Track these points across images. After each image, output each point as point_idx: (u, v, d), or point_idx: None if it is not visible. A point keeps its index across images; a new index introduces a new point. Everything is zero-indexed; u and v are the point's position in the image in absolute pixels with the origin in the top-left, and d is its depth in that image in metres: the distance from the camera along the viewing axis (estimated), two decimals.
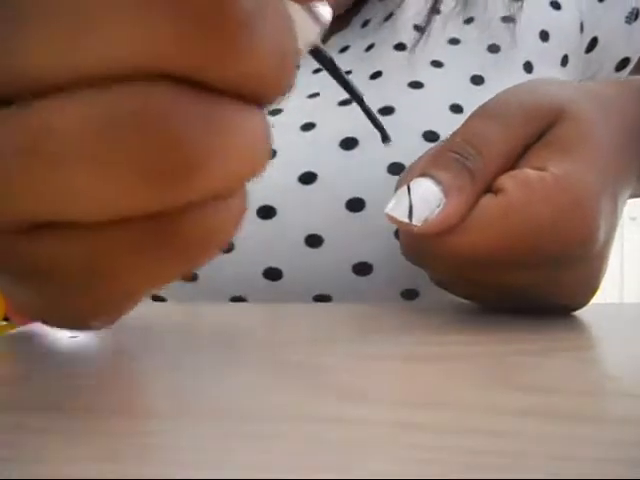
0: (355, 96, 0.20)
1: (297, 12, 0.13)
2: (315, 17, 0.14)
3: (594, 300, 0.27)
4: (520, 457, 0.11)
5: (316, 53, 0.17)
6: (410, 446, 0.11)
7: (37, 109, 0.10)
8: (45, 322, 0.17)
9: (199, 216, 0.12)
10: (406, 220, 0.22)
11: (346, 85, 0.19)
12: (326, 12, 0.15)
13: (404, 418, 0.13)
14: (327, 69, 0.18)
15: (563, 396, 0.14)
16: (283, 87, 0.12)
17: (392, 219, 0.23)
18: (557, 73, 0.40)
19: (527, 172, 0.22)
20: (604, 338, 0.23)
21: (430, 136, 0.34)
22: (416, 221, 0.22)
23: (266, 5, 0.11)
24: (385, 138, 0.23)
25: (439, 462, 0.11)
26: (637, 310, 0.29)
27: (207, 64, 0.10)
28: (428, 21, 0.39)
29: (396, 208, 0.23)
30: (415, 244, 0.25)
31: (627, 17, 0.42)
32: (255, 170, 0.12)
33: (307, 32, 0.15)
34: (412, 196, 0.22)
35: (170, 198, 0.11)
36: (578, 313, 0.27)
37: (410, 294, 0.34)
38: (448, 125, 0.27)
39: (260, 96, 0.12)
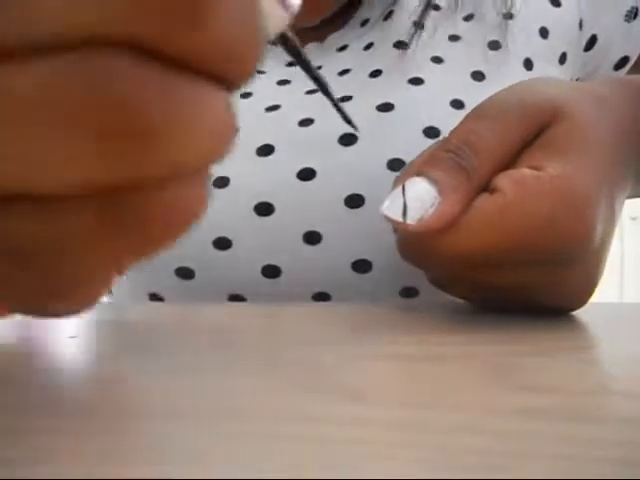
0: (322, 86, 0.20)
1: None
2: (284, 4, 0.14)
3: (594, 300, 0.27)
4: (520, 457, 0.11)
5: (284, 41, 0.17)
6: (410, 446, 0.11)
7: None
8: (4, 305, 0.16)
9: (159, 193, 0.12)
10: (401, 219, 0.22)
11: (312, 75, 0.19)
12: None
13: (404, 418, 0.13)
14: (295, 58, 0.18)
15: (563, 396, 0.14)
16: (247, 67, 0.12)
17: (388, 218, 0.23)
18: (556, 70, 0.40)
19: (523, 171, 0.22)
20: (604, 338, 0.23)
21: (431, 132, 0.34)
22: (410, 220, 0.22)
23: None
24: (354, 128, 0.23)
25: (439, 462, 0.11)
26: (637, 310, 0.29)
27: (165, 33, 0.10)
28: (422, 15, 0.39)
29: (391, 207, 0.23)
30: (411, 244, 0.25)
31: (626, 15, 0.42)
32: (216, 150, 0.12)
33: (275, 19, 0.15)
34: (406, 195, 0.22)
35: (126, 168, 0.11)
36: (578, 313, 0.27)
37: (409, 292, 0.34)
38: (449, 121, 0.27)
39: (223, 74, 0.12)
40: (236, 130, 0.13)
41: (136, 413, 0.13)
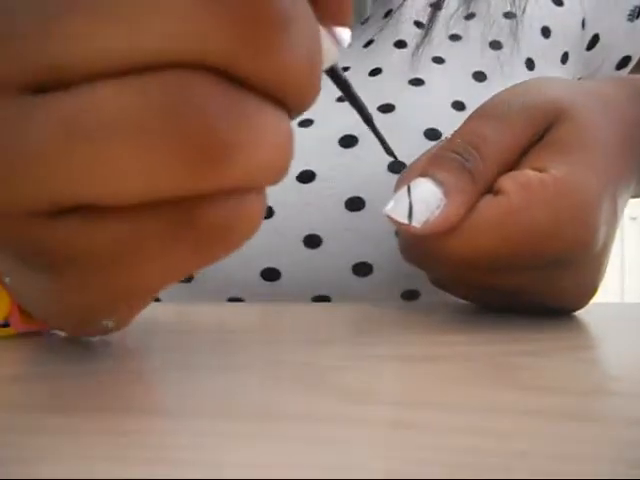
0: (366, 118, 0.20)
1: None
2: (334, 39, 0.15)
3: (594, 300, 0.27)
4: (520, 457, 0.11)
5: (333, 74, 0.18)
6: (410, 446, 0.11)
7: (77, 92, 0.11)
8: (53, 325, 0.16)
9: (223, 206, 0.12)
10: (406, 221, 0.22)
11: (359, 108, 0.20)
12: (345, 34, 0.15)
13: (404, 418, 0.13)
14: (343, 91, 0.19)
15: (563, 396, 0.14)
16: (311, 94, 0.12)
17: (392, 220, 0.23)
18: (558, 70, 0.40)
19: (527, 174, 0.22)
20: (604, 338, 0.23)
21: (431, 134, 0.34)
22: (416, 222, 0.22)
23: (300, 12, 0.12)
24: (395, 159, 0.23)
25: (439, 462, 0.11)
26: (637, 310, 0.29)
27: (244, 58, 0.11)
28: (432, 19, 0.38)
29: (396, 209, 0.23)
30: (414, 245, 0.25)
31: (629, 15, 0.42)
32: (277, 171, 0.13)
33: (326, 52, 0.15)
34: (412, 197, 0.22)
35: (199, 181, 0.11)
36: (578, 313, 0.27)
37: (410, 295, 0.34)
38: (450, 123, 0.27)
39: (290, 100, 0.12)
40: (293, 152, 0.13)
41: (136, 412, 0.13)
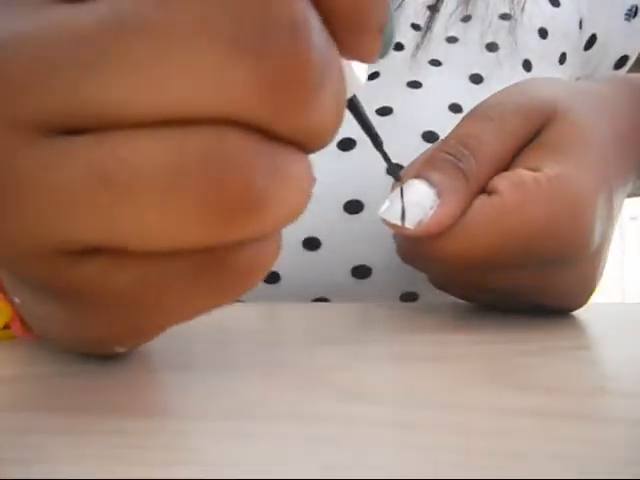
0: (379, 147, 0.21)
1: (342, 62, 0.13)
2: (354, 73, 0.15)
3: (594, 300, 0.27)
4: (520, 457, 0.11)
5: (351, 105, 0.18)
6: (410, 446, 0.11)
7: (110, 139, 0.11)
8: (60, 347, 0.17)
9: (246, 253, 0.12)
10: (399, 223, 0.22)
11: (372, 136, 0.20)
12: (363, 70, 0.15)
13: (404, 418, 0.13)
14: (359, 121, 0.19)
15: (563, 396, 0.14)
16: (332, 136, 0.13)
17: (386, 222, 0.23)
18: (555, 71, 0.40)
19: (521, 173, 0.22)
20: (604, 338, 0.23)
21: (429, 136, 0.34)
22: (409, 223, 0.22)
23: (333, 63, 0.12)
24: (398, 178, 0.23)
25: (439, 462, 0.11)
26: (637, 310, 0.29)
27: (279, 117, 0.11)
28: (431, 21, 0.38)
29: (389, 210, 0.23)
30: (410, 247, 0.25)
31: (626, 14, 0.42)
32: (300, 212, 0.13)
33: (348, 82, 0.15)
34: (405, 198, 0.22)
35: (226, 237, 0.11)
36: (578, 313, 0.27)
37: (410, 297, 0.34)
38: (447, 125, 0.27)
39: (314, 145, 0.12)
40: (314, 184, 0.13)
41: (135, 413, 0.13)
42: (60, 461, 0.11)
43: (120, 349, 0.16)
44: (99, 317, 0.14)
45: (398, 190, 0.23)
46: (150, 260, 0.12)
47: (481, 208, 0.22)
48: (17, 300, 0.16)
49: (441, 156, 0.23)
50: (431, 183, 0.22)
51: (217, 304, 0.13)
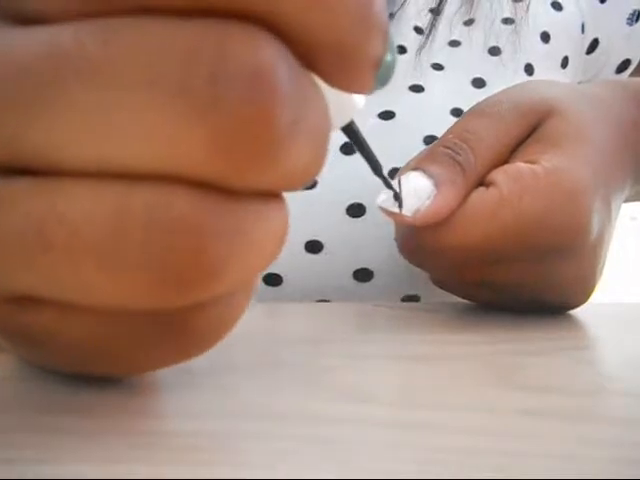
0: (378, 172, 0.21)
1: (334, 94, 0.12)
2: (350, 98, 0.14)
3: (594, 300, 0.27)
4: (520, 457, 0.11)
5: (348, 131, 0.17)
6: (410, 446, 0.11)
7: (50, 189, 0.10)
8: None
9: (207, 312, 0.12)
10: (396, 210, 0.22)
11: (372, 161, 0.20)
12: (360, 99, 0.15)
13: (404, 418, 0.13)
14: (357, 146, 0.19)
15: (563, 396, 0.14)
16: (311, 178, 0.12)
17: (383, 210, 0.23)
18: (557, 75, 0.40)
19: (518, 165, 0.22)
20: (604, 338, 0.23)
21: (431, 141, 0.34)
22: (406, 212, 0.22)
23: (307, 107, 0.10)
24: (400, 206, 0.23)
25: (439, 462, 0.11)
26: (637, 310, 0.29)
27: (236, 174, 0.10)
28: (432, 24, 0.38)
29: (387, 200, 0.23)
30: (410, 240, 0.25)
31: (628, 19, 0.42)
32: (270, 263, 0.12)
33: (342, 113, 0.15)
34: (403, 188, 0.23)
35: (180, 302, 0.11)
36: (578, 313, 0.27)
37: (411, 300, 0.34)
38: None
39: (290, 188, 0.12)
40: (285, 241, 0.12)
41: (136, 413, 0.13)
42: (60, 461, 0.11)
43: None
44: (57, 360, 0.13)
45: (396, 181, 0.23)
46: (100, 317, 0.11)
47: (479, 199, 0.22)
48: None
49: (439, 150, 0.23)
50: (429, 174, 0.22)
51: (178, 361, 0.13)
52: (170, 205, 0.10)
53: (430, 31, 0.38)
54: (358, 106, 0.15)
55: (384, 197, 0.23)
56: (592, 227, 0.23)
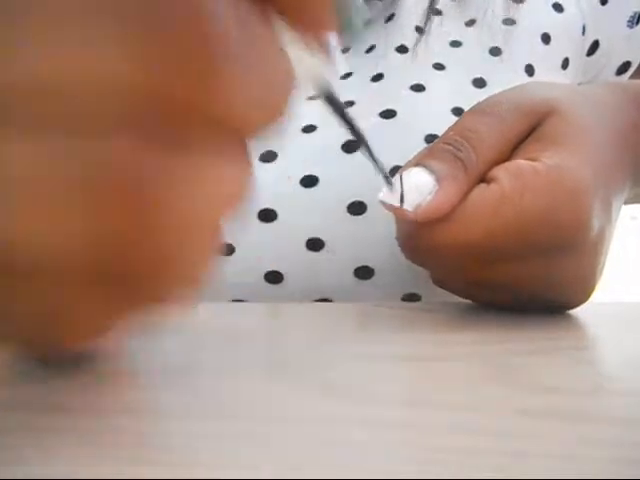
0: (362, 142, 0.21)
1: (306, 57, 0.12)
2: (327, 63, 0.15)
3: (594, 299, 0.27)
4: (520, 457, 0.11)
5: (329, 99, 0.17)
6: (410, 446, 0.11)
7: None
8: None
9: (158, 268, 0.12)
10: (398, 205, 0.23)
11: (355, 132, 0.20)
12: (340, 61, 0.15)
13: (404, 418, 0.13)
14: (338, 115, 0.19)
15: (563, 396, 0.14)
16: (263, 125, 0.12)
17: (385, 205, 0.23)
18: (558, 76, 0.40)
19: (519, 163, 0.23)
20: (604, 338, 0.23)
21: (432, 140, 0.34)
22: (407, 206, 0.22)
23: (255, 48, 0.11)
24: (389, 184, 0.23)
25: (439, 462, 0.11)
26: (637, 310, 0.29)
27: (177, 97, 0.10)
28: (427, 20, 0.39)
29: (388, 195, 0.23)
30: (411, 238, 0.25)
31: (629, 21, 0.42)
32: (226, 213, 0.12)
33: (317, 77, 0.15)
34: (404, 184, 0.23)
35: (122, 248, 0.11)
36: (578, 313, 0.27)
37: (412, 298, 0.34)
38: None
39: (238, 132, 0.12)
40: (250, 184, 0.12)
41: (137, 413, 0.13)
42: (60, 461, 0.11)
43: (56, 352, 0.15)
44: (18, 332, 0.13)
45: (397, 176, 0.23)
46: (49, 279, 0.11)
47: (480, 196, 0.22)
48: None
49: (440, 146, 0.23)
50: (430, 170, 0.23)
51: (133, 314, 0.13)
52: (110, 156, 0.10)
53: (424, 30, 0.38)
54: (336, 72, 0.15)
55: (386, 192, 0.23)
56: (593, 224, 0.23)
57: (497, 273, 0.24)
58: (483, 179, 0.23)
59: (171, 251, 0.12)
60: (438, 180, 0.22)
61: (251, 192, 0.12)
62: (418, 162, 0.23)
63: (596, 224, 0.23)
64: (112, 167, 0.10)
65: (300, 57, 0.12)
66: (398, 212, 0.23)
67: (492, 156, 0.23)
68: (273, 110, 0.12)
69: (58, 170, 0.10)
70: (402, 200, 0.22)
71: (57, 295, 0.12)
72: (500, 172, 0.22)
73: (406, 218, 0.23)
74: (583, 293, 0.26)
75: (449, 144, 0.23)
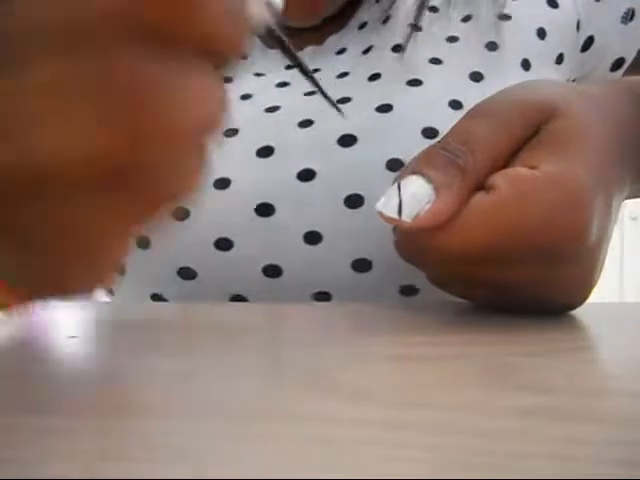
0: (308, 75, 0.22)
1: None
2: (267, 2, 0.16)
3: (594, 300, 0.27)
4: (520, 457, 0.11)
5: (271, 34, 0.19)
6: (409, 446, 0.11)
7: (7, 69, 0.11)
8: (35, 295, 0.17)
9: (153, 170, 0.13)
10: (396, 216, 0.22)
11: (300, 65, 0.21)
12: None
13: (403, 418, 0.13)
14: (282, 50, 0.20)
15: (563, 396, 0.14)
16: (237, 47, 0.13)
17: (383, 216, 0.23)
18: (553, 71, 0.40)
19: (519, 170, 0.22)
20: (604, 338, 0.23)
21: (429, 132, 0.34)
22: (406, 217, 0.22)
23: None
24: (338, 111, 0.25)
25: (439, 462, 0.11)
26: (637, 310, 0.29)
27: (169, 21, 0.12)
28: (418, 16, 0.39)
29: (386, 205, 0.23)
30: (408, 242, 0.25)
31: (623, 17, 0.43)
32: (210, 123, 0.13)
33: (261, 13, 0.16)
34: (402, 193, 0.23)
35: (123, 140, 0.12)
36: (578, 313, 0.27)
37: (409, 290, 0.34)
38: (447, 121, 0.27)
39: (216, 55, 0.13)
40: (226, 104, 0.14)
41: (136, 413, 0.13)
42: (60, 461, 0.11)
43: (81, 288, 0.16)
44: (43, 258, 0.14)
45: (396, 185, 0.23)
46: (63, 189, 0.12)
47: (478, 203, 0.22)
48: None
49: (438, 152, 0.23)
50: (428, 179, 0.22)
51: (138, 222, 0.14)
52: (114, 62, 0.11)
53: (415, 25, 0.38)
54: (275, 8, 0.17)
55: (384, 201, 0.23)
56: (591, 233, 0.23)
57: (494, 276, 0.24)
58: (482, 185, 0.23)
59: (161, 154, 0.13)
60: (436, 189, 0.22)
61: (226, 113, 0.14)
62: (416, 170, 0.23)
63: (595, 233, 0.23)
64: (115, 72, 0.12)
65: None
66: (396, 223, 0.23)
67: (492, 160, 0.23)
68: (240, 29, 0.13)
69: (71, 81, 0.11)
70: (400, 209, 0.22)
71: (73, 204, 0.13)
72: (499, 179, 0.22)
73: (404, 229, 0.23)
74: (581, 294, 0.26)
75: (448, 150, 0.23)
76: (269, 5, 0.16)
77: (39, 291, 0.16)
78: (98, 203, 0.13)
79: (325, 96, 0.23)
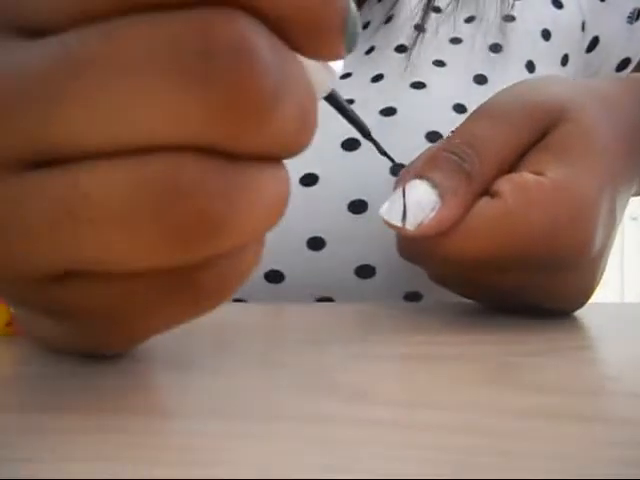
0: (364, 134, 0.21)
1: (310, 63, 0.13)
2: (328, 66, 0.15)
3: (594, 300, 0.27)
4: (520, 457, 0.11)
5: (330, 99, 0.18)
6: (410, 446, 0.11)
7: (73, 173, 0.11)
8: (52, 347, 0.18)
9: (217, 268, 0.13)
10: (399, 224, 0.22)
11: (358, 127, 0.21)
12: (337, 65, 0.16)
13: (403, 418, 0.13)
14: (340, 113, 0.20)
15: (563, 396, 0.14)
16: (304, 144, 0.13)
17: (386, 222, 0.23)
18: (558, 72, 0.40)
19: (525, 176, 0.22)
20: (604, 338, 0.23)
21: (433, 137, 0.34)
22: (409, 225, 0.22)
23: (289, 74, 0.12)
24: (392, 161, 0.24)
25: (439, 462, 0.11)
26: (637, 310, 0.29)
27: (234, 138, 0.11)
28: (423, 17, 0.38)
29: (390, 211, 0.23)
30: (410, 246, 0.25)
31: (629, 17, 0.42)
32: (274, 223, 0.13)
33: (321, 81, 0.15)
34: (407, 199, 0.22)
35: (191, 257, 0.12)
36: (578, 313, 0.27)
37: (413, 297, 0.34)
38: (451, 125, 0.27)
39: (282, 155, 0.13)
40: (289, 196, 0.13)
41: (136, 413, 0.13)
42: (60, 461, 0.11)
43: (108, 353, 0.17)
44: (80, 331, 0.14)
45: (400, 190, 0.23)
46: (123, 280, 0.13)
47: (483, 210, 0.22)
48: (12, 309, 0.17)
49: (444, 156, 0.23)
50: (433, 184, 0.22)
51: (194, 314, 0.14)
52: (178, 172, 0.11)
53: (421, 28, 0.38)
54: (336, 74, 0.16)
55: (388, 206, 0.23)
56: (596, 241, 0.22)
57: (496, 282, 0.24)
58: (487, 190, 0.23)
59: (231, 258, 0.13)
60: (441, 196, 0.22)
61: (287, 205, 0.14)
62: (421, 174, 0.22)
63: (599, 242, 0.23)
64: (182, 182, 0.11)
65: (305, 63, 0.13)
66: (399, 230, 0.22)
67: (498, 163, 0.23)
68: (309, 133, 0.13)
69: (136, 190, 0.11)
70: (404, 215, 0.22)
71: (128, 295, 0.13)
72: (505, 185, 0.22)
73: (408, 236, 0.23)
74: (581, 299, 0.26)
75: (453, 153, 0.23)
76: (329, 69, 0.15)
77: (57, 348, 0.17)
78: (160, 291, 0.13)
79: (386, 155, 0.23)
